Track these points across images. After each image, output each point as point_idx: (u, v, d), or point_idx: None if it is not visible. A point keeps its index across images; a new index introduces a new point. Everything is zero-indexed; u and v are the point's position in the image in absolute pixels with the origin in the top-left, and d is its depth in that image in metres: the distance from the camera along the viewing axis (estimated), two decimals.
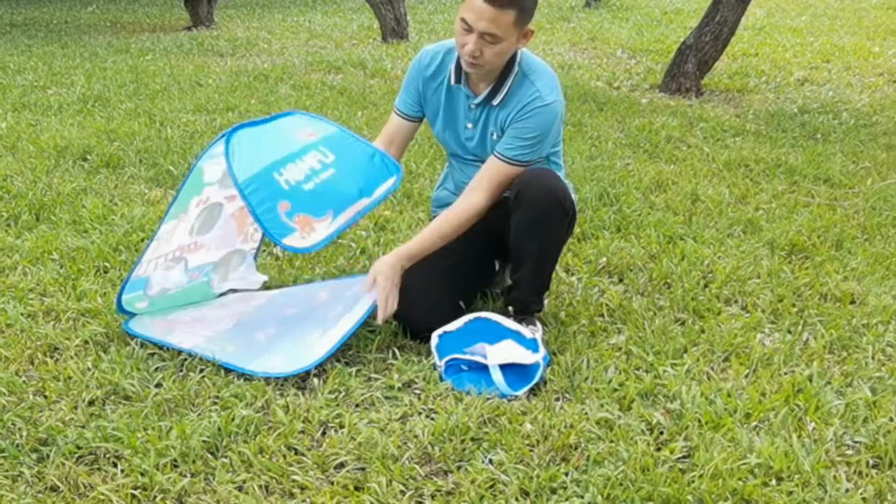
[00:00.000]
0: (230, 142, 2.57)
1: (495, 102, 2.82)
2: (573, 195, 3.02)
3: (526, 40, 2.73)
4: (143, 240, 3.62)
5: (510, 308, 2.89)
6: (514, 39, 2.68)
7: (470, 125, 2.92)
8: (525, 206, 2.74)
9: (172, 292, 2.99)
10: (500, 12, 2.58)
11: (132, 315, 2.92)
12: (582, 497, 2.10)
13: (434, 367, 2.67)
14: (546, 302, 3.04)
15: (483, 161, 2.91)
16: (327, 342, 2.69)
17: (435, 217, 3.15)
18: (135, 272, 2.81)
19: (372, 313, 2.76)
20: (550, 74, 2.85)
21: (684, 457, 2.27)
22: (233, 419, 2.37)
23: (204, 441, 2.28)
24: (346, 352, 2.78)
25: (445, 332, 2.73)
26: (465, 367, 2.64)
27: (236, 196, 2.77)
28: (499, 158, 2.82)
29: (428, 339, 2.75)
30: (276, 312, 3.01)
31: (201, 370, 2.64)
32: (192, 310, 3.03)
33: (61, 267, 3.38)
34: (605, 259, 3.54)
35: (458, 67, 2.85)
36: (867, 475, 2.22)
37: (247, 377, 2.61)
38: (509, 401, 2.52)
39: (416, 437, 2.34)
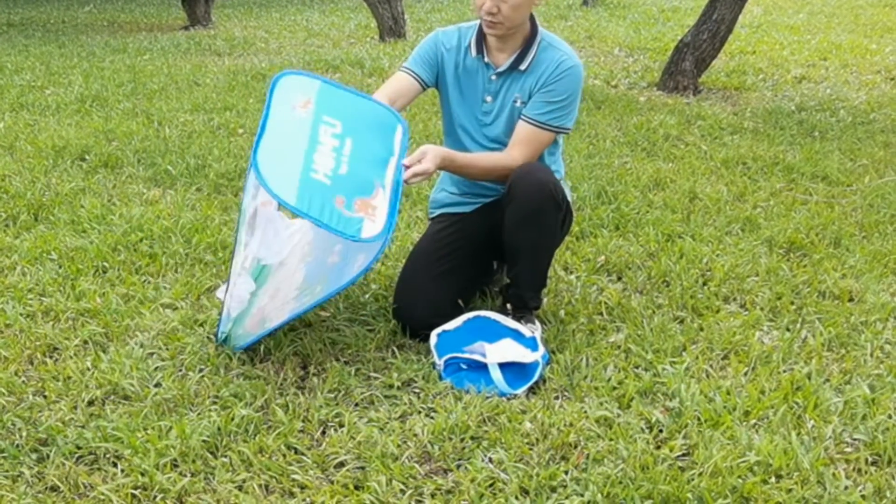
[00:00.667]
0: (258, 169, 2.50)
1: (523, 67, 2.84)
2: (570, 194, 3.04)
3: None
4: (141, 240, 3.62)
5: (508, 306, 2.90)
6: None
7: (489, 98, 2.91)
8: (517, 201, 2.74)
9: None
10: None
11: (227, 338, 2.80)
12: (582, 495, 2.10)
13: (433, 365, 2.67)
14: (545, 300, 3.04)
15: (491, 147, 2.92)
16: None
17: (433, 218, 3.15)
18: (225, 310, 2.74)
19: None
20: (565, 44, 2.91)
21: (684, 455, 2.27)
22: (232, 419, 2.37)
23: (204, 441, 2.28)
24: (345, 350, 2.79)
25: (444, 331, 2.74)
26: (464, 366, 2.64)
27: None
28: (530, 122, 2.83)
29: (427, 338, 2.76)
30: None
31: (200, 369, 2.65)
32: (262, 293, 2.88)
33: (60, 267, 3.38)
34: (603, 257, 3.54)
35: (478, 40, 2.88)
36: (866, 472, 2.22)
37: (247, 376, 2.61)
38: (509, 399, 2.52)
39: (415, 435, 2.34)
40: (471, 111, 2.96)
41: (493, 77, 2.89)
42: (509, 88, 2.88)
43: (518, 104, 2.87)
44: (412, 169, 2.61)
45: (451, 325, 2.75)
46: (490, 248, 3.00)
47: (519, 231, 2.77)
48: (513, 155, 2.83)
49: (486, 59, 2.89)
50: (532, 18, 2.85)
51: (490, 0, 2.70)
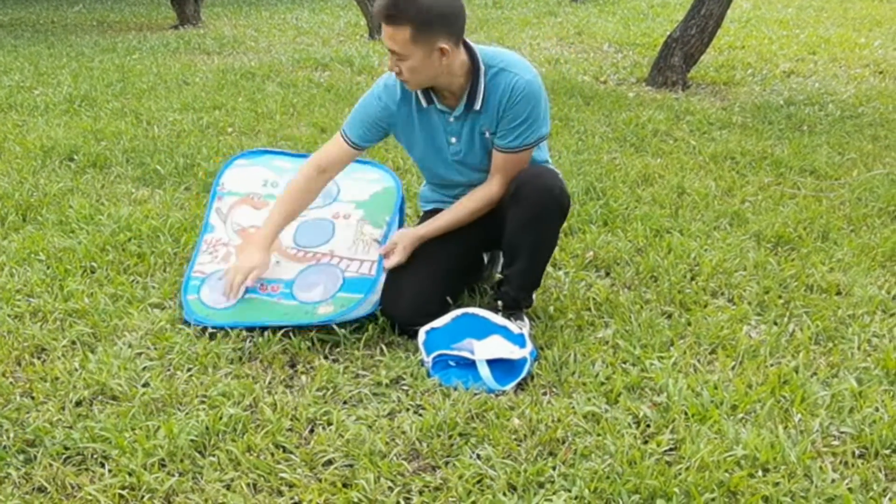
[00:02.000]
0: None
1: (478, 107, 2.77)
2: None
3: (445, 57, 2.62)
4: (130, 239, 3.62)
5: (499, 303, 2.89)
6: (422, 56, 2.59)
7: (454, 139, 2.87)
8: (524, 203, 2.74)
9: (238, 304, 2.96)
10: (395, 30, 2.55)
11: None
12: (569, 491, 2.10)
13: (421, 363, 2.67)
14: (535, 299, 3.05)
15: (475, 175, 2.93)
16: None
17: (424, 213, 3.16)
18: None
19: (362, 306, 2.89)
20: (513, 56, 2.81)
21: (671, 449, 2.28)
22: (220, 418, 2.37)
23: (192, 440, 2.28)
24: (333, 349, 2.79)
25: (433, 328, 2.74)
26: (452, 363, 2.64)
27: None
28: (504, 151, 2.81)
29: (415, 335, 2.76)
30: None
31: (188, 369, 2.65)
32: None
33: (48, 267, 3.38)
34: (592, 253, 3.55)
35: (425, 91, 2.80)
36: (853, 465, 2.23)
37: (235, 375, 2.62)
38: (497, 396, 2.52)
39: (403, 433, 2.34)
40: (439, 154, 2.94)
41: (452, 120, 2.84)
42: (473, 125, 2.83)
43: (488, 136, 2.83)
44: (386, 263, 2.91)
45: (439, 323, 2.75)
46: (479, 242, 3.00)
47: (522, 233, 2.77)
48: (496, 184, 2.85)
49: (439, 106, 2.83)
50: (469, 49, 2.74)
51: (391, 62, 2.65)
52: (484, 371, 2.59)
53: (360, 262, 3.01)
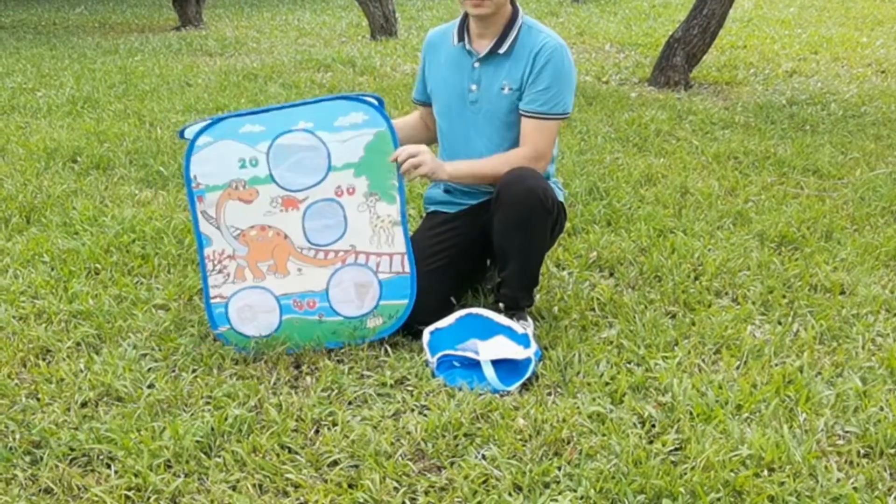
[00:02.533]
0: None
1: (502, 51, 2.83)
2: (562, 193, 3.04)
3: None
4: (134, 241, 3.62)
5: (500, 304, 2.90)
6: None
7: (474, 86, 2.90)
8: (506, 206, 2.74)
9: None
10: None
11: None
12: (574, 491, 2.11)
13: (426, 363, 2.68)
14: (537, 297, 3.05)
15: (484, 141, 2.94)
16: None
17: (428, 213, 3.16)
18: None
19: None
20: (547, 27, 2.91)
21: (676, 449, 2.28)
22: (226, 419, 2.37)
23: (197, 441, 2.28)
24: (337, 350, 2.79)
25: (437, 329, 2.74)
26: (456, 364, 2.64)
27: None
28: (531, 116, 2.83)
29: (420, 336, 2.76)
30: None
31: (193, 370, 2.65)
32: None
33: (52, 269, 3.38)
34: (595, 253, 3.55)
35: (461, 28, 2.90)
36: (858, 465, 2.23)
37: (240, 376, 2.62)
38: (501, 396, 2.53)
39: (408, 433, 2.35)
40: (460, 99, 2.94)
41: (476, 64, 2.89)
42: (493, 75, 2.87)
43: (506, 91, 2.85)
44: (410, 162, 2.73)
45: (443, 323, 2.75)
46: (484, 245, 3.00)
47: (508, 235, 2.78)
48: (523, 151, 2.85)
49: (467, 47, 2.90)
50: (513, 1, 2.85)
51: None
52: (489, 371, 2.59)
53: (389, 258, 2.82)
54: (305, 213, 2.80)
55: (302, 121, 2.79)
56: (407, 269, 2.83)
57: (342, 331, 2.80)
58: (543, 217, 2.76)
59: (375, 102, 2.79)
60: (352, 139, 2.79)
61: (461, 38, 2.90)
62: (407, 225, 2.83)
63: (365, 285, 2.81)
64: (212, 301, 2.81)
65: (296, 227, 2.81)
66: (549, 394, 2.57)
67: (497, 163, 2.84)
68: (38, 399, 2.52)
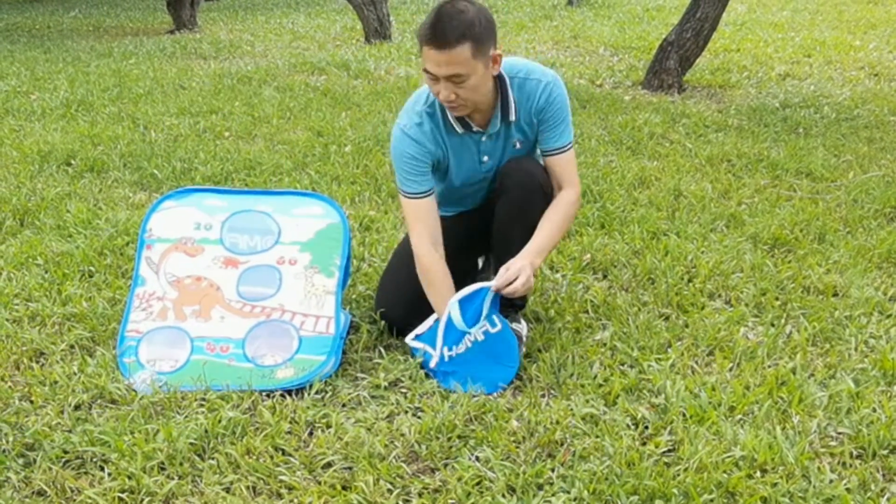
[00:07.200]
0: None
1: (513, 118, 2.73)
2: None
3: (497, 65, 2.61)
4: (127, 244, 3.62)
5: None
6: (482, 69, 2.54)
7: (486, 158, 2.82)
8: (508, 193, 2.74)
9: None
10: (454, 52, 2.47)
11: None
12: (568, 492, 2.11)
13: (420, 365, 2.68)
14: (530, 298, 3.05)
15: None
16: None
17: None
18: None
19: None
20: (525, 62, 2.79)
21: (669, 451, 2.28)
22: (219, 421, 2.37)
23: (191, 443, 2.28)
24: None
25: (417, 336, 2.74)
26: (449, 373, 2.64)
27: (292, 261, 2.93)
28: (557, 153, 2.78)
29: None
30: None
31: None
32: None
33: (46, 272, 3.38)
34: (589, 256, 3.56)
35: (458, 118, 2.73)
36: (851, 466, 2.24)
37: (240, 376, 2.62)
38: (495, 398, 2.53)
39: (402, 435, 2.35)
40: (474, 175, 2.87)
41: (485, 139, 2.78)
42: (507, 138, 2.80)
43: (518, 146, 2.81)
44: (515, 285, 2.59)
45: (421, 329, 2.74)
46: (474, 247, 3.00)
47: (510, 223, 2.76)
48: (567, 189, 2.78)
49: (475, 129, 2.77)
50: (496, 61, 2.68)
51: (445, 90, 2.53)
52: (454, 313, 2.60)
53: (315, 319, 2.79)
54: (243, 273, 2.91)
55: (263, 205, 3.02)
56: (331, 330, 2.77)
57: (248, 377, 2.64)
58: (543, 203, 2.75)
59: (337, 203, 3.04)
60: (305, 223, 2.99)
61: (465, 127, 2.75)
62: (340, 296, 2.86)
63: (284, 339, 2.76)
64: (126, 333, 2.78)
65: (230, 282, 2.89)
66: (543, 396, 2.57)
67: (557, 219, 2.74)
68: (32, 401, 2.52)
